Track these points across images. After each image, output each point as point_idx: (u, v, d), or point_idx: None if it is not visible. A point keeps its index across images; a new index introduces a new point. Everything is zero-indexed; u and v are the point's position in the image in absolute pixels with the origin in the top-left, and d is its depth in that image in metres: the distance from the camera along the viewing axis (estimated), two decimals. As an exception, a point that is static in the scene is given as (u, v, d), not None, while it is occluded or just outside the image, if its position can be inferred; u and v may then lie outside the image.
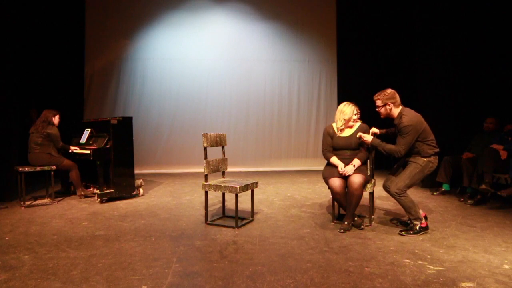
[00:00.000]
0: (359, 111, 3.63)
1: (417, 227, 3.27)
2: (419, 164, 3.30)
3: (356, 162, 3.47)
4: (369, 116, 3.99)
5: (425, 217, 3.37)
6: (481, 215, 4.06)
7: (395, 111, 3.38)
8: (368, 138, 3.44)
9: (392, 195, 3.32)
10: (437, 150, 3.35)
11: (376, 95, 3.45)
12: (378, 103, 3.42)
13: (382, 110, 3.40)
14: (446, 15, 5.71)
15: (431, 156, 3.32)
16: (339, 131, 3.64)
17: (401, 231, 3.33)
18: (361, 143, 3.56)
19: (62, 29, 7.54)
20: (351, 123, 3.61)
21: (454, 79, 5.70)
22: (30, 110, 6.37)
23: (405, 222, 3.54)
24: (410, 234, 3.25)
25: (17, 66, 5.26)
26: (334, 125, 3.70)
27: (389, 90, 3.41)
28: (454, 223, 3.72)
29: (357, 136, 3.50)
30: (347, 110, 3.59)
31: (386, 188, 3.41)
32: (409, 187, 3.30)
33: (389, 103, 3.36)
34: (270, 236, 3.29)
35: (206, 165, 3.71)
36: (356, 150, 3.57)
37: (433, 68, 5.82)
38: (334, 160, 3.57)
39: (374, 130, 3.58)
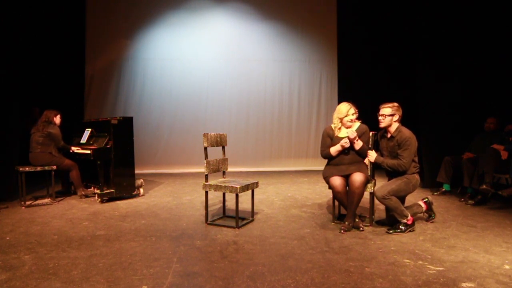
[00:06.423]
0: (356, 111, 3.62)
1: (403, 226, 3.38)
2: (405, 176, 3.47)
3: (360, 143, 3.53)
4: (369, 116, 3.98)
5: (428, 202, 3.73)
6: (481, 215, 4.06)
7: (395, 125, 3.53)
8: (372, 157, 3.53)
9: (379, 199, 3.42)
10: (419, 169, 3.57)
11: (386, 104, 3.55)
12: (387, 111, 3.51)
13: (388, 119, 3.51)
14: (447, 15, 5.71)
15: (414, 174, 3.51)
16: (338, 131, 3.65)
17: (388, 229, 3.41)
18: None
19: (62, 29, 7.53)
20: (348, 123, 3.60)
21: (455, 79, 5.70)
22: (32, 108, 6.36)
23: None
24: (398, 232, 3.36)
25: (17, 66, 5.25)
26: (333, 126, 3.71)
27: (397, 104, 3.56)
28: (455, 223, 3.72)
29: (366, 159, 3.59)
30: (342, 109, 3.61)
31: (374, 195, 3.51)
32: (393, 194, 3.37)
33: (397, 115, 3.51)
34: (270, 236, 3.29)
35: (207, 165, 3.71)
36: (354, 150, 3.57)
37: (433, 68, 5.81)
38: (334, 148, 3.56)
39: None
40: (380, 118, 3.54)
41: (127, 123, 5.00)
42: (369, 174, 3.58)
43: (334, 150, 3.56)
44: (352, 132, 3.51)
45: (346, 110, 3.57)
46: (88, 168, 5.31)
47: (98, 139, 5.12)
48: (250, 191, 3.88)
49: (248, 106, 8.61)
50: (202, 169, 3.95)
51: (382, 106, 3.55)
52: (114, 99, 8.26)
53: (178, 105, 8.39)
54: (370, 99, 5.60)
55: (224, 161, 4.00)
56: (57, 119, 5.05)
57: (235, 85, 8.56)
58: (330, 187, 3.55)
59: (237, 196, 3.54)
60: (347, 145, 3.48)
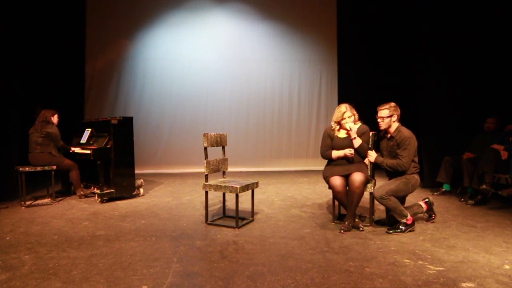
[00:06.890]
0: (354, 113, 3.62)
1: (402, 225, 3.38)
2: (404, 176, 3.46)
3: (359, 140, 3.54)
4: (368, 116, 3.98)
5: (428, 203, 3.70)
6: (481, 215, 4.06)
7: (394, 125, 3.52)
8: (371, 157, 3.53)
9: (377, 199, 3.43)
10: (419, 170, 3.55)
11: (383, 105, 3.54)
12: (385, 113, 3.50)
13: (387, 120, 3.50)
14: (446, 15, 5.71)
15: (414, 174, 3.50)
16: (338, 131, 3.65)
17: (388, 229, 3.41)
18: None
19: (62, 29, 7.54)
20: (346, 126, 3.59)
21: (455, 79, 5.70)
22: (37, 107, 6.34)
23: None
24: (397, 232, 3.36)
25: (17, 66, 5.25)
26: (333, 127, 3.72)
27: (394, 103, 3.53)
28: (455, 223, 3.72)
29: (366, 159, 3.60)
30: (338, 112, 3.62)
31: (373, 194, 3.51)
32: (392, 194, 3.36)
33: (395, 115, 3.49)
34: (270, 236, 3.29)
35: (207, 165, 3.71)
36: (354, 149, 3.57)
37: (433, 68, 5.81)
38: (336, 152, 3.57)
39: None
40: (378, 120, 3.53)
41: (127, 123, 5.00)
42: (369, 174, 3.59)
43: (336, 155, 3.57)
44: (354, 127, 3.55)
45: (341, 114, 3.58)
46: (88, 168, 5.31)
47: (98, 139, 5.12)
48: (250, 191, 3.88)
49: (248, 106, 8.61)
50: (202, 169, 3.95)
51: (379, 108, 3.54)
52: (114, 99, 8.26)
53: (178, 105, 8.39)
54: (370, 99, 5.61)
55: (224, 161, 4.00)
56: (55, 119, 5.02)
57: (235, 85, 8.55)
58: (330, 187, 3.55)
59: (237, 196, 3.54)
60: (352, 156, 3.49)
